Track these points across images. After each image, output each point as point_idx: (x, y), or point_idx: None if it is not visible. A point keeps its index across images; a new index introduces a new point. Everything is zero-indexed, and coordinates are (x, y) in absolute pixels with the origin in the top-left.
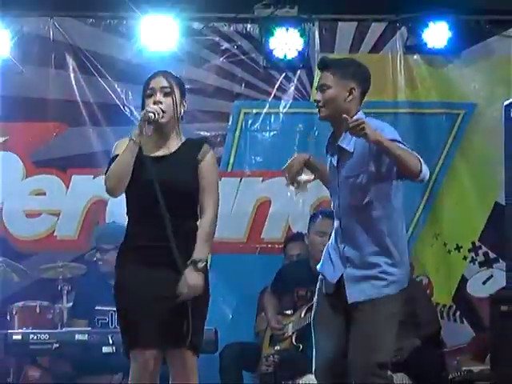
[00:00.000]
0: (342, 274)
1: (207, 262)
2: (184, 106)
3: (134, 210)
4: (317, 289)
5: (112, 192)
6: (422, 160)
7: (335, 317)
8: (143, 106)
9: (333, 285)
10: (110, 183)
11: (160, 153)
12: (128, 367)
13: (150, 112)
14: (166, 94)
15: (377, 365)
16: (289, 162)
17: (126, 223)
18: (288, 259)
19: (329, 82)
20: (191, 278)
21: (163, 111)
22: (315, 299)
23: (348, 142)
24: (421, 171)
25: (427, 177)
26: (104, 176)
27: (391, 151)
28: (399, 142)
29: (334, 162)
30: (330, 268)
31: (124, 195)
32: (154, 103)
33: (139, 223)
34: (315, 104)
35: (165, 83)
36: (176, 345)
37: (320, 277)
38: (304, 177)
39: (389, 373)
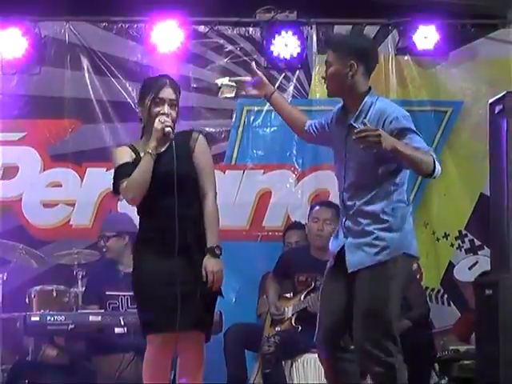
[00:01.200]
0: (344, 245)
1: (221, 247)
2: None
3: (145, 204)
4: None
5: (133, 202)
6: (434, 157)
7: (338, 290)
8: (149, 107)
9: (335, 255)
10: (133, 194)
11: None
12: (138, 347)
13: (168, 127)
14: (172, 106)
15: (380, 336)
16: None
17: (139, 218)
18: (287, 246)
19: (330, 59)
20: (212, 265)
21: (173, 123)
22: (325, 275)
23: (360, 123)
24: (433, 171)
25: (439, 173)
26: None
27: (408, 158)
28: (413, 131)
29: (342, 136)
30: (335, 241)
31: None
32: (163, 114)
33: (150, 216)
34: (323, 81)
35: (173, 96)
36: (190, 328)
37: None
38: (229, 93)
39: (397, 348)
